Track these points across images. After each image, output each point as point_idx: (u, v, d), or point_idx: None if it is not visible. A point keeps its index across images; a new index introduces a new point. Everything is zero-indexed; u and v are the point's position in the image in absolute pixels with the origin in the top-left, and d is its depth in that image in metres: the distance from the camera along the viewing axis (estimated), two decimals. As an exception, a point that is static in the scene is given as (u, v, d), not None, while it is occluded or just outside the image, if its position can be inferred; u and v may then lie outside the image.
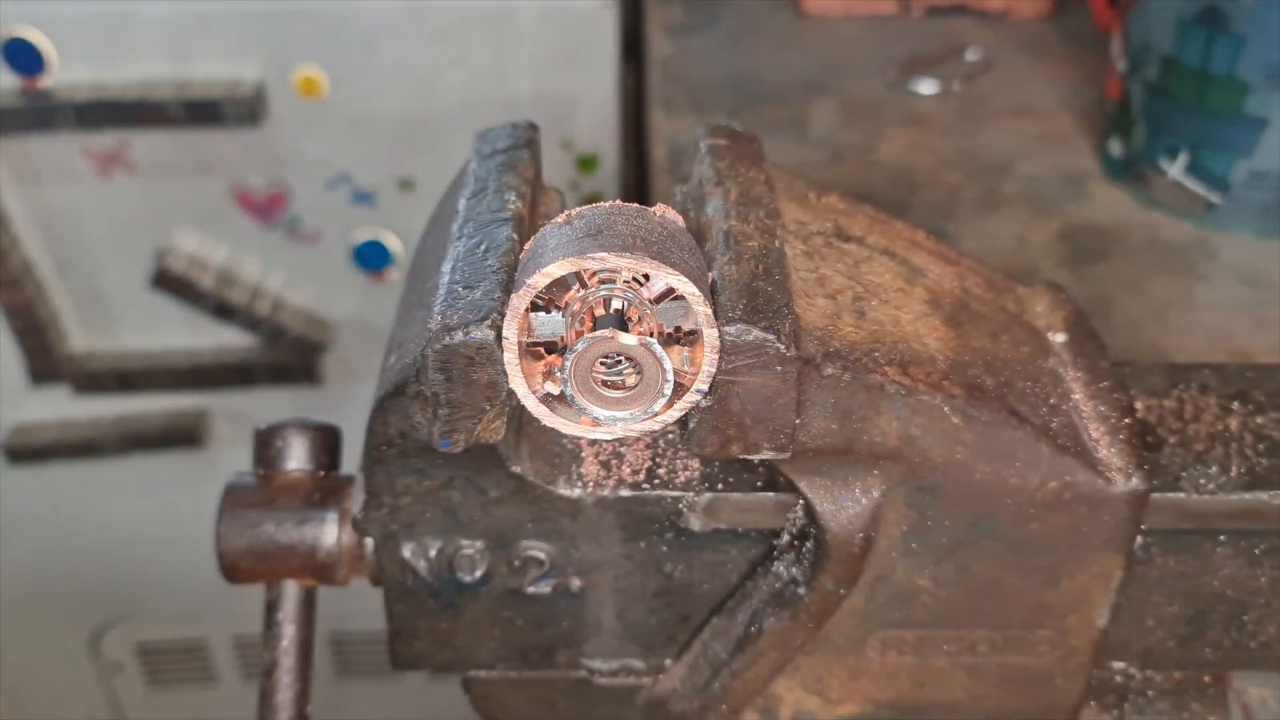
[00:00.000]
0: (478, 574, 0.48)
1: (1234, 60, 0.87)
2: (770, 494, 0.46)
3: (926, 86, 1.17)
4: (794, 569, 0.46)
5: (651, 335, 0.37)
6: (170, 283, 1.35)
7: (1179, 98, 0.91)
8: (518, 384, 0.38)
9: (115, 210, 1.32)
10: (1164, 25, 0.90)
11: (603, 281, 0.37)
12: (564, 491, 0.46)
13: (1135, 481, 0.44)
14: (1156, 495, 0.45)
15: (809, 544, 0.46)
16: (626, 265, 0.36)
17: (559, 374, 0.38)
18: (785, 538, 0.47)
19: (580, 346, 0.37)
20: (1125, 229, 0.97)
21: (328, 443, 0.51)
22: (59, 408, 1.46)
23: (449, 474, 0.45)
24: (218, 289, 1.35)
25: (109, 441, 1.47)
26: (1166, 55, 0.91)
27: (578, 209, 0.39)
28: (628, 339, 0.36)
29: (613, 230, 0.37)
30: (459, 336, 0.38)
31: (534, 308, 0.37)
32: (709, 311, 0.37)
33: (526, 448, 0.45)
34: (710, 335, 0.37)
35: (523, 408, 0.39)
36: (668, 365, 0.37)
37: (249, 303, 1.37)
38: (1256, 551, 0.48)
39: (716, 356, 0.38)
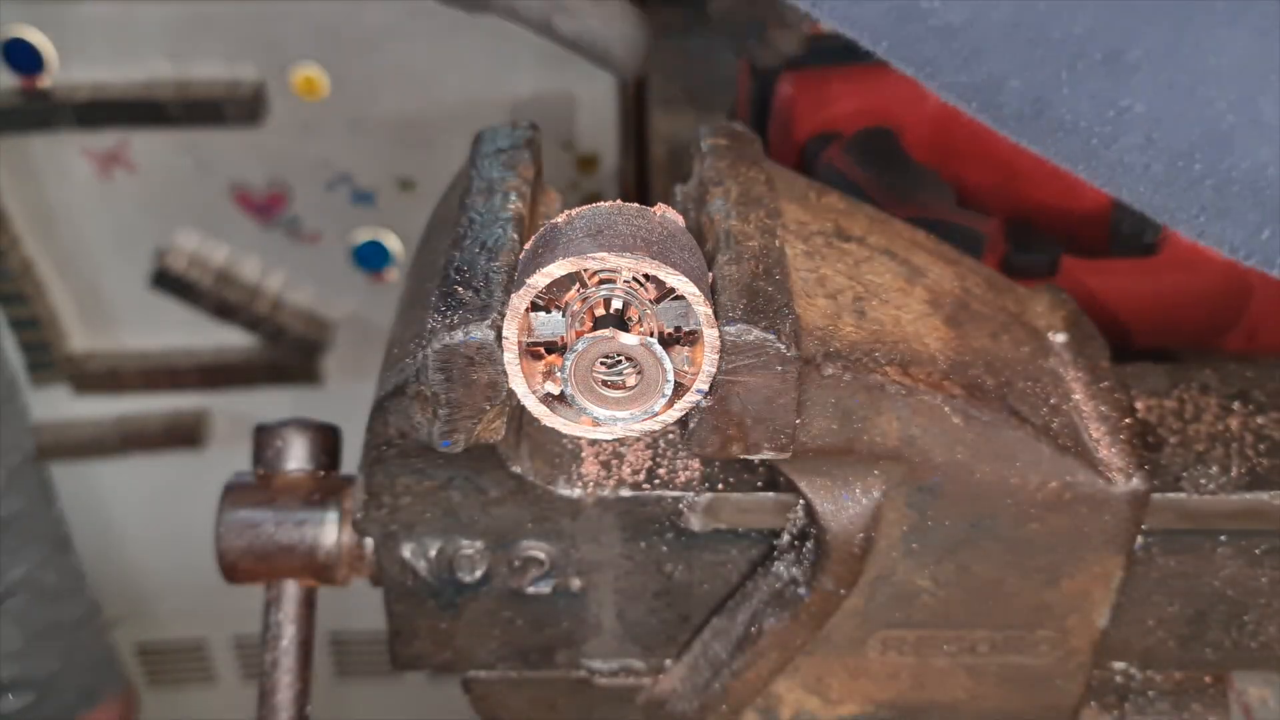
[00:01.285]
0: (478, 574, 0.48)
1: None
2: (770, 494, 0.46)
3: (927, 86, 1.16)
4: (794, 569, 0.46)
5: (652, 335, 0.37)
6: (170, 283, 1.35)
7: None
8: (518, 384, 0.38)
9: (115, 210, 1.32)
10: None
11: (603, 281, 0.37)
12: (564, 491, 0.46)
13: (1136, 481, 0.44)
14: (1157, 495, 0.45)
15: (809, 544, 0.45)
16: (627, 265, 0.36)
17: (559, 374, 0.38)
18: (785, 538, 0.47)
19: (580, 346, 0.37)
20: (1125, 229, 0.97)
21: (327, 443, 0.50)
22: (59, 408, 1.45)
23: (449, 474, 0.45)
24: (218, 289, 1.35)
25: (109, 441, 1.47)
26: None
27: (578, 209, 0.39)
28: (628, 339, 0.36)
29: (613, 230, 0.37)
30: (459, 336, 0.38)
31: (534, 308, 0.37)
32: (709, 311, 0.37)
33: (526, 448, 0.45)
34: (710, 335, 0.37)
35: (523, 408, 0.39)
36: (668, 365, 0.37)
37: (249, 303, 1.37)
38: (1257, 551, 0.48)
39: (717, 356, 0.38)
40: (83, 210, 1.32)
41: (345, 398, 1.43)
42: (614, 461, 0.47)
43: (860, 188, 0.72)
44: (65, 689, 1.08)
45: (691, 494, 0.46)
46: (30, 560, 1.05)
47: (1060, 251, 0.66)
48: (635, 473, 0.46)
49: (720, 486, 0.46)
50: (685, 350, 0.38)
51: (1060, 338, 0.49)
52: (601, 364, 0.37)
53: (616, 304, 0.37)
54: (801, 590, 0.46)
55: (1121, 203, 0.34)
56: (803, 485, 0.44)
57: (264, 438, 0.50)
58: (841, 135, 0.78)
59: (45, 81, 1.22)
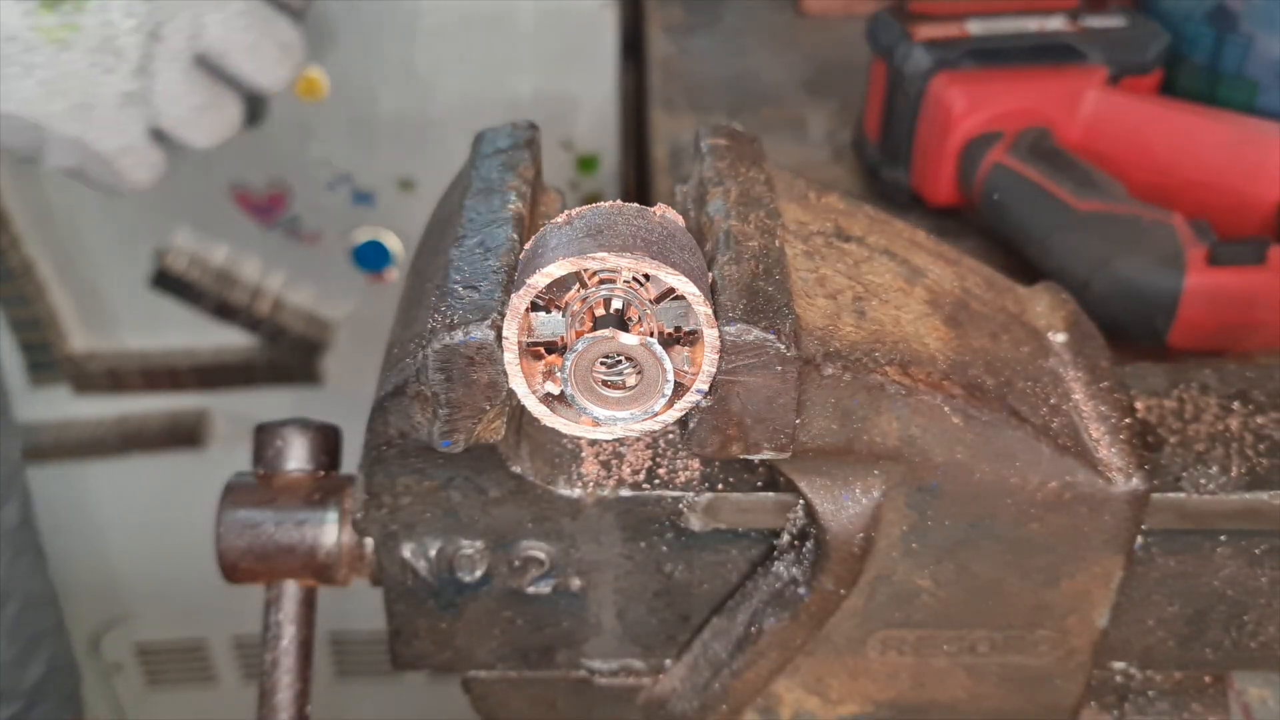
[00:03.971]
0: (478, 574, 0.48)
1: (1243, 59, 0.87)
2: (770, 494, 0.46)
3: (926, 86, 1.16)
4: (794, 569, 0.46)
5: (652, 335, 0.37)
6: (170, 283, 1.35)
7: (1189, 96, 0.91)
8: (518, 384, 0.38)
9: (115, 210, 1.32)
10: (1172, 24, 0.90)
11: (603, 281, 0.37)
12: (564, 491, 0.46)
13: (1135, 481, 0.44)
14: (1157, 495, 0.45)
15: (809, 544, 0.46)
16: (627, 265, 0.36)
17: (559, 374, 0.38)
18: (785, 538, 0.47)
19: (580, 346, 0.37)
20: (1125, 229, 0.97)
21: (328, 442, 0.50)
22: (59, 408, 1.46)
23: (449, 474, 0.45)
24: (218, 289, 1.36)
25: (109, 441, 1.47)
26: (1175, 53, 0.91)
27: (578, 209, 0.39)
28: (628, 339, 0.36)
29: (613, 230, 0.37)
30: (459, 336, 0.38)
31: (534, 308, 0.37)
32: (709, 311, 0.37)
33: (526, 448, 0.45)
34: (710, 335, 0.37)
35: (523, 408, 0.39)
36: (668, 365, 0.37)
37: (249, 303, 1.37)
38: (1257, 551, 0.48)
39: (717, 356, 0.38)
40: (83, 210, 1.32)
41: (345, 398, 1.44)
42: (614, 461, 0.47)
43: (1037, 185, 0.74)
44: (50, 695, 1.09)
45: (691, 494, 0.46)
46: (23, 569, 1.06)
47: (1269, 241, 0.66)
48: (635, 473, 0.46)
49: (720, 486, 0.46)
50: (685, 350, 0.38)
51: (1060, 338, 0.49)
52: (601, 364, 0.37)
53: (616, 304, 0.37)
54: (801, 590, 0.46)
55: None
56: (803, 485, 0.44)
57: (264, 438, 0.50)
58: (1003, 135, 0.79)
59: (45, 81, 1.21)
